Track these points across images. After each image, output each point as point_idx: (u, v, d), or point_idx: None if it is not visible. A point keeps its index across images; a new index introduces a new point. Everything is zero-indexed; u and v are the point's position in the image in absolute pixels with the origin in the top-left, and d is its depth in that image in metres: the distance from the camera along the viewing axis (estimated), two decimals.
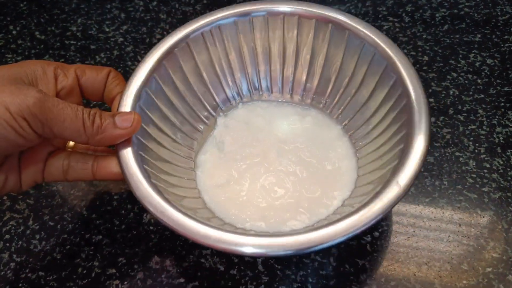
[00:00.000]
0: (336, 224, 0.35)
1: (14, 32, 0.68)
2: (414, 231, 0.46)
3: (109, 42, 0.66)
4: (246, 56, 0.52)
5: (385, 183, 0.37)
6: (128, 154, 0.39)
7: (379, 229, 0.46)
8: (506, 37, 0.62)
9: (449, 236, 0.45)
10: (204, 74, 0.51)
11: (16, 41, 0.67)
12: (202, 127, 0.51)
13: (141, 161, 0.39)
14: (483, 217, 0.46)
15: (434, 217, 0.46)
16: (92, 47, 0.65)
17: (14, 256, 0.46)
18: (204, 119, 0.51)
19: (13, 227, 0.48)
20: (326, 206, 0.44)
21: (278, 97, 0.54)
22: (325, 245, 0.34)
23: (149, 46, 0.64)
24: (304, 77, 0.52)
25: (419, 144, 0.39)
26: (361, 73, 0.48)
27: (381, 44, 0.45)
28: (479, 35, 0.62)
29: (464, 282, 0.42)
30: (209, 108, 0.52)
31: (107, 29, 0.68)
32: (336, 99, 0.51)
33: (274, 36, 0.51)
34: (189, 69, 0.49)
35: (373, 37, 0.46)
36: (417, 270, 0.43)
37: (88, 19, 0.69)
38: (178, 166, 0.46)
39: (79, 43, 0.66)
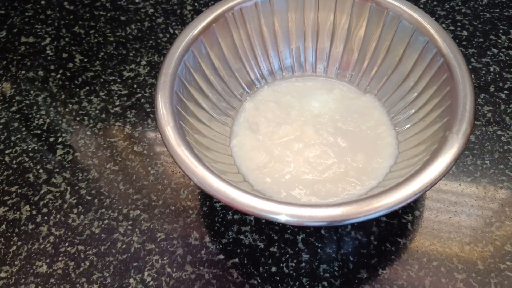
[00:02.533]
0: (413, 180, 0.35)
1: (42, 2, 0.67)
2: (456, 211, 0.45)
3: (140, 13, 0.65)
4: (279, 33, 0.51)
5: (441, 140, 0.37)
6: (176, 139, 0.39)
7: (420, 208, 0.45)
8: None
9: (491, 216, 0.44)
10: (229, 59, 0.50)
11: (45, 11, 0.66)
12: (231, 113, 0.50)
13: (190, 147, 0.39)
14: None
15: (476, 196, 0.46)
16: (122, 18, 0.64)
17: (53, 229, 0.46)
18: (233, 104, 0.51)
19: (50, 201, 0.48)
20: (375, 173, 0.44)
21: (300, 74, 0.54)
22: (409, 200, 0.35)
23: (180, 18, 0.63)
24: (330, 52, 0.52)
25: (468, 98, 0.39)
26: (388, 40, 0.48)
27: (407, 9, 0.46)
28: None
29: (508, 263, 0.42)
30: (236, 94, 0.51)
31: (137, 0, 0.66)
32: (363, 69, 0.51)
33: (309, 14, 0.51)
34: (216, 53, 0.49)
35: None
36: (459, 251, 0.43)
37: None
38: (218, 152, 0.45)
39: (108, 14, 0.65)
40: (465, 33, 0.58)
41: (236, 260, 0.43)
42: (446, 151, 0.36)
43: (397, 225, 0.44)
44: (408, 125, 0.46)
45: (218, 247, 0.44)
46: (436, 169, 0.35)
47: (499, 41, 0.57)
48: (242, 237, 0.45)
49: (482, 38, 0.58)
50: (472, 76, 0.54)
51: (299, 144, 0.47)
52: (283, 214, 0.34)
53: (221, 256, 0.44)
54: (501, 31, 0.58)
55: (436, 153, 0.36)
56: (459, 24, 0.59)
